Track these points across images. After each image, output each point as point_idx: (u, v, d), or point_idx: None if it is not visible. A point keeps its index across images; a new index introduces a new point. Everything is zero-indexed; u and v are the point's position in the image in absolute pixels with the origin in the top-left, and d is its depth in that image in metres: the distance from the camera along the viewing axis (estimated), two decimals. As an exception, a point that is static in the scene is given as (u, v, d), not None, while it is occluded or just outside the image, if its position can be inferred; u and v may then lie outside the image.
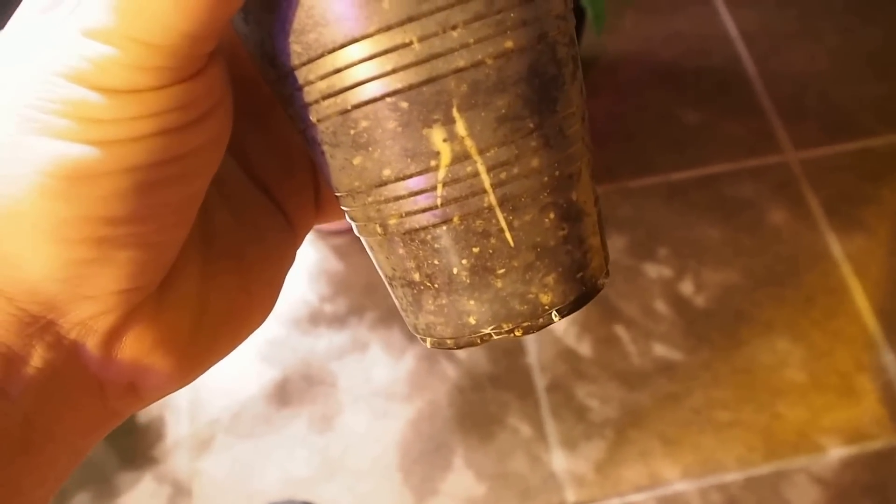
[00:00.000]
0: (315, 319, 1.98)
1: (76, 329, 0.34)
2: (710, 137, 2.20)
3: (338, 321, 1.97)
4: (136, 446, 1.83)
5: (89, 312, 0.33)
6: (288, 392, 1.89)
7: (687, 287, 1.99)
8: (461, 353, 1.91)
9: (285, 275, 0.44)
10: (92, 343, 0.34)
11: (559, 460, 1.79)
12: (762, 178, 2.13)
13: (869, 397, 1.84)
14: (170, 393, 0.39)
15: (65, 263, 0.31)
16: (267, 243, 0.42)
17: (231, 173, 0.41)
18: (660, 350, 1.91)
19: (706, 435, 1.81)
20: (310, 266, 2.04)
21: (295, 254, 0.45)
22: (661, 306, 1.96)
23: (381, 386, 1.89)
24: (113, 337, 0.35)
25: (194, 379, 0.40)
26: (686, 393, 1.86)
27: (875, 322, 1.93)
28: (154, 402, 0.39)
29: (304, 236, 0.46)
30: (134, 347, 0.36)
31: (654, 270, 2.01)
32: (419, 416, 1.85)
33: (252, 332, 0.42)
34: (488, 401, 1.86)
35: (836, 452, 1.78)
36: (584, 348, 1.90)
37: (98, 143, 0.29)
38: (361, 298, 1.98)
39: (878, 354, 1.89)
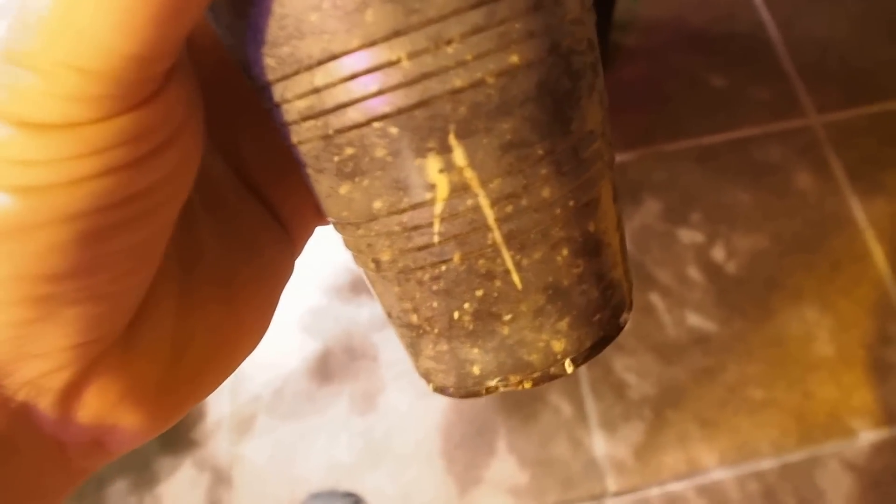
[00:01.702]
0: (357, 288, 1.78)
1: (24, 390, 0.27)
2: (738, 102, 2.01)
3: None
4: (177, 427, 1.64)
5: (38, 371, 0.26)
6: (330, 366, 1.70)
7: (719, 253, 1.82)
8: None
9: (280, 295, 0.35)
10: (46, 403, 0.27)
11: (600, 444, 1.63)
12: (788, 142, 1.96)
13: (895, 373, 1.68)
14: (144, 443, 0.33)
15: (1, 326, 0.24)
16: (260, 260, 0.33)
17: (218, 178, 0.32)
18: (694, 320, 1.74)
19: (741, 416, 1.65)
20: None
21: (293, 268, 0.35)
22: (694, 273, 1.80)
23: None
24: (70, 394, 0.27)
25: (171, 425, 0.32)
26: (720, 368, 1.70)
27: None
28: (126, 452, 0.32)
29: (304, 244, 0.37)
30: (97, 403, 0.28)
31: (687, 236, 1.84)
32: None
33: (240, 363, 0.34)
34: None
35: (867, 436, 1.63)
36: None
37: (28, 189, 0.22)
38: (403, 264, 1.76)
39: None
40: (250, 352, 0.35)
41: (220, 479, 1.58)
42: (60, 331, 0.26)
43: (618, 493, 1.58)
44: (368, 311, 1.74)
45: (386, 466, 1.60)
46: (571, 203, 0.29)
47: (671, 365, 1.69)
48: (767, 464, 1.60)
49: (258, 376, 1.68)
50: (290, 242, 0.36)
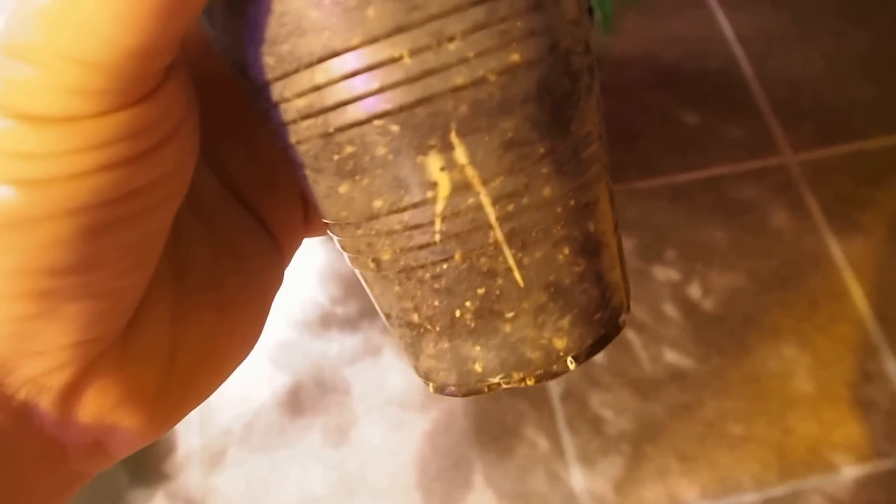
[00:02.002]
0: (326, 322, 1.75)
1: (26, 388, 0.27)
2: (711, 139, 2.01)
3: (349, 324, 1.75)
4: (146, 460, 1.60)
5: (39, 369, 0.27)
6: (301, 400, 1.66)
7: (695, 291, 1.80)
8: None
9: (271, 303, 0.35)
10: (46, 402, 0.28)
11: (578, 478, 1.60)
12: (763, 180, 1.94)
13: (876, 409, 1.67)
14: (143, 446, 0.32)
15: (3, 320, 0.25)
16: (250, 269, 0.34)
17: (207, 188, 0.33)
18: (671, 356, 1.72)
19: (721, 451, 1.63)
20: (320, 266, 1.83)
21: (283, 276, 0.36)
22: (670, 310, 1.77)
23: (395, 393, 1.67)
24: (70, 394, 0.28)
25: (169, 429, 0.34)
26: (698, 403, 1.67)
27: (876, 328, 1.75)
28: (125, 456, 0.33)
29: (293, 254, 0.37)
30: (97, 404, 0.29)
31: (662, 273, 1.82)
32: (435, 428, 1.64)
33: (233, 371, 0.34)
34: (504, 410, 1.66)
35: (850, 472, 1.61)
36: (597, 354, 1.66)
37: (29, 183, 0.22)
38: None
39: (881, 362, 1.71)
40: (243, 359, 0.35)
41: (193, 511, 1.55)
42: (61, 328, 0.26)
43: (598, 527, 1.54)
44: (338, 346, 1.72)
45: (360, 499, 1.56)
46: (572, 202, 0.29)
47: (648, 401, 1.67)
48: (749, 498, 1.58)
49: (228, 410, 1.65)
50: (278, 252, 0.36)
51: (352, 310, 1.76)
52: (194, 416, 1.65)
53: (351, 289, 1.80)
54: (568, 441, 1.62)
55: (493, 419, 1.64)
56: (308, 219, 0.37)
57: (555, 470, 1.59)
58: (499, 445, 1.61)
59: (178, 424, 1.64)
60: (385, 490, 1.57)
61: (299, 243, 0.38)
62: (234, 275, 0.33)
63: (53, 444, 0.29)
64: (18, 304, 0.24)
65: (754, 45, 2.16)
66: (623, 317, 0.33)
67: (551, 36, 0.27)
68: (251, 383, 1.68)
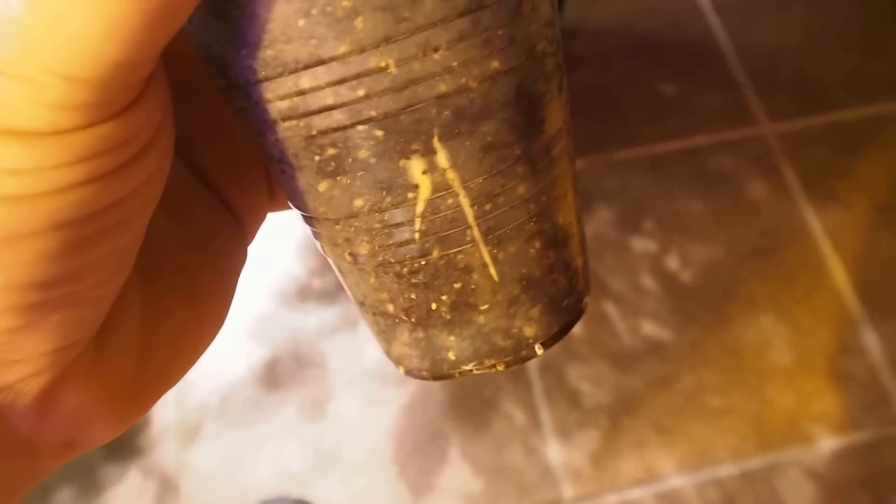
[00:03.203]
0: (304, 295, 1.76)
1: (2, 394, 0.27)
2: (689, 109, 2.02)
3: (327, 296, 1.76)
4: (122, 434, 1.56)
5: (17, 376, 0.26)
6: (278, 373, 1.67)
7: (673, 262, 1.81)
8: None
9: (237, 283, 0.35)
10: (23, 407, 0.27)
11: (555, 452, 1.61)
12: (740, 151, 1.96)
13: (854, 381, 1.68)
14: (111, 439, 0.32)
15: None
16: (216, 250, 0.33)
17: (169, 172, 0.29)
18: (649, 328, 1.73)
19: (699, 423, 1.64)
20: (297, 238, 1.82)
21: (246, 255, 0.36)
22: (648, 281, 1.79)
23: (372, 367, 1.68)
24: (47, 398, 0.28)
25: (139, 418, 0.32)
26: (676, 376, 1.69)
27: (855, 299, 1.77)
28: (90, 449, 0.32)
29: (257, 231, 0.37)
30: (72, 404, 0.28)
31: (640, 244, 1.83)
32: (412, 401, 1.65)
33: (202, 354, 0.34)
34: (482, 383, 1.67)
35: (827, 444, 1.63)
36: (575, 326, 1.65)
37: (14, 199, 0.22)
38: (350, 272, 1.72)
39: (859, 333, 1.73)
40: (210, 343, 0.35)
41: (167, 486, 1.55)
42: (42, 336, 0.25)
43: (575, 500, 1.57)
44: (316, 319, 1.72)
45: (337, 474, 1.58)
46: (544, 198, 0.31)
47: (626, 373, 1.68)
48: (727, 471, 1.60)
49: (204, 384, 1.66)
50: (241, 231, 0.36)
51: (329, 282, 1.77)
52: (169, 391, 1.63)
53: (328, 261, 1.74)
54: (545, 414, 1.63)
55: (470, 393, 1.64)
56: (273, 195, 0.37)
57: (531, 443, 1.60)
58: (475, 419, 1.62)
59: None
60: (361, 464, 1.58)
61: (263, 220, 0.38)
62: (199, 259, 0.33)
63: (25, 444, 0.29)
64: (4, 317, 0.24)
65: (731, 15, 2.16)
66: (586, 300, 0.35)
67: (529, 41, 0.28)
68: (228, 357, 1.67)
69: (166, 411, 1.62)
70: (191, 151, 0.34)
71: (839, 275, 1.79)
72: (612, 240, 1.82)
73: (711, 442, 1.62)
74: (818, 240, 1.82)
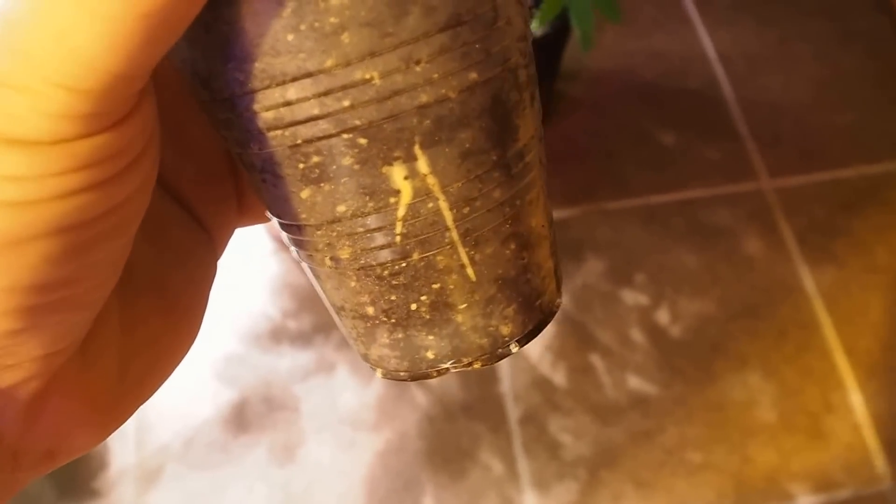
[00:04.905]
0: (277, 336, 1.71)
1: None
2: (687, 161, 1.97)
3: (302, 339, 1.71)
4: (76, 476, 1.55)
5: (8, 382, 0.27)
6: (246, 416, 1.61)
7: (663, 316, 1.77)
8: (433, 380, 1.69)
9: (209, 292, 0.37)
10: (11, 414, 0.29)
11: (532, 503, 1.57)
12: (738, 205, 1.91)
13: (837, 440, 1.66)
14: (89, 450, 0.33)
15: None
16: (188, 263, 0.35)
17: None
18: (634, 382, 1.70)
19: (678, 478, 1.61)
20: (272, 278, 1.78)
21: (216, 268, 0.38)
22: (636, 335, 1.75)
23: (347, 413, 1.63)
24: (35, 405, 0.29)
25: (117, 428, 0.34)
26: (659, 430, 1.65)
27: (844, 360, 1.73)
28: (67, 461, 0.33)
29: (226, 244, 0.39)
30: (58, 412, 0.30)
31: (631, 297, 1.79)
32: (387, 448, 1.60)
33: (177, 366, 0.36)
34: (460, 432, 1.63)
35: (806, 501, 1.60)
36: (559, 378, 1.71)
37: (18, 204, 0.23)
38: (328, 315, 1.62)
39: (845, 394, 1.71)
40: (186, 352, 0.36)
41: (123, 531, 1.50)
42: (37, 341, 0.26)
43: (548, 555, 1.53)
44: (289, 362, 1.67)
45: (305, 520, 1.53)
46: (518, 202, 0.32)
47: (608, 426, 1.65)
48: (703, 527, 1.58)
49: (167, 425, 1.59)
50: (211, 243, 0.37)
51: (305, 324, 1.72)
52: (130, 429, 1.61)
53: (305, 302, 1.76)
54: (523, 465, 1.60)
55: (447, 441, 1.61)
56: (242, 209, 0.38)
57: (508, 494, 1.57)
58: (452, 468, 1.59)
59: (112, 439, 1.58)
60: (331, 511, 1.54)
61: (232, 233, 0.39)
62: (174, 271, 0.34)
63: (8, 452, 0.29)
64: (5, 320, 0.25)
65: (736, 65, 2.14)
66: (558, 301, 0.36)
67: (504, 54, 0.29)
68: (194, 398, 1.63)
69: (125, 452, 1.56)
70: (161, 165, 0.32)
71: (829, 334, 1.75)
72: (602, 291, 1.79)
73: (689, 497, 1.59)
74: (811, 298, 1.79)
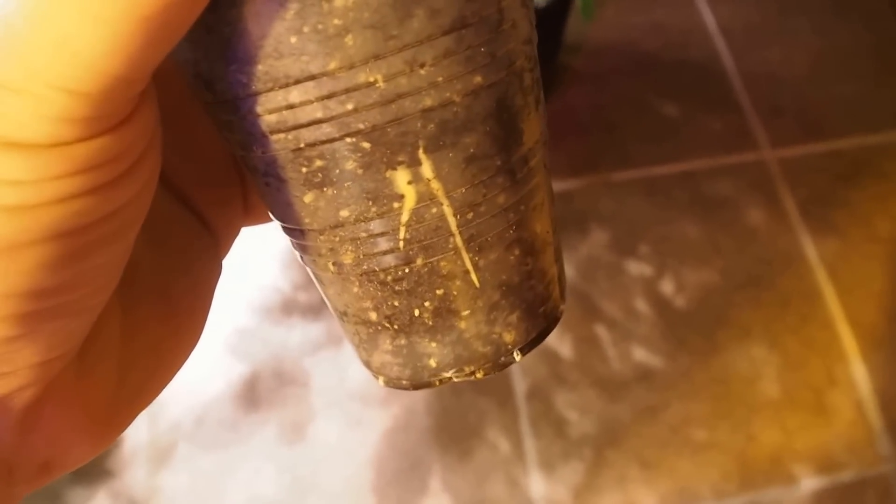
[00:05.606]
0: (288, 309, 1.70)
1: None
2: (689, 132, 1.96)
3: (312, 311, 1.69)
4: None
5: (2, 391, 0.27)
6: (257, 392, 1.60)
7: (667, 287, 1.76)
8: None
9: (213, 294, 0.36)
10: (6, 424, 0.28)
11: (537, 485, 1.56)
12: (740, 176, 1.91)
13: (840, 418, 1.65)
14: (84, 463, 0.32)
15: None
16: (191, 263, 0.34)
17: None
18: (639, 354, 1.69)
19: (682, 458, 1.60)
20: (283, 251, 1.76)
21: (221, 267, 0.37)
22: (641, 306, 1.74)
23: (355, 387, 1.61)
24: (31, 414, 0.28)
25: (116, 438, 0.33)
26: (664, 406, 1.64)
27: (847, 331, 1.72)
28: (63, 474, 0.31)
29: (231, 244, 0.38)
30: (54, 422, 0.29)
31: (635, 268, 1.78)
32: (395, 425, 1.59)
33: (178, 370, 0.35)
34: (466, 408, 1.61)
35: (808, 484, 1.58)
36: (565, 349, 1.69)
37: (17, 209, 0.23)
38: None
39: (849, 367, 1.69)
40: (187, 357, 0.35)
41: (137, 511, 1.49)
42: (34, 348, 0.26)
43: (554, 536, 1.53)
44: (300, 335, 1.66)
45: (313, 502, 1.52)
46: (523, 208, 0.32)
47: (614, 402, 1.64)
48: (707, 508, 1.57)
49: (179, 402, 1.58)
50: (216, 244, 0.36)
51: (315, 296, 1.71)
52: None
53: None
54: (530, 444, 1.59)
55: (454, 417, 1.60)
56: (248, 209, 0.38)
57: (514, 475, 1.56)
58: (459, 447, 1.58)
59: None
60: (338, 493, 1.53)
61: (238, 234, 0.39)
62: (177, 274, 0.34)
63: (3, 467, 0.29)
64: (2, 326, 0.24)
65: (737, 37, 2.13)
66: (561, 307, 0.36)
67: (509, 57, 0.29)
68: (206, 372, 1.62)
69: (138, 431, 1.56)
70: (165, 166, 0.32)
71: (833, 305, 1.75)
72: (606, 262, 1.78)
73: (694, 478, 1.58)
74: (813, 268, 1.79)
